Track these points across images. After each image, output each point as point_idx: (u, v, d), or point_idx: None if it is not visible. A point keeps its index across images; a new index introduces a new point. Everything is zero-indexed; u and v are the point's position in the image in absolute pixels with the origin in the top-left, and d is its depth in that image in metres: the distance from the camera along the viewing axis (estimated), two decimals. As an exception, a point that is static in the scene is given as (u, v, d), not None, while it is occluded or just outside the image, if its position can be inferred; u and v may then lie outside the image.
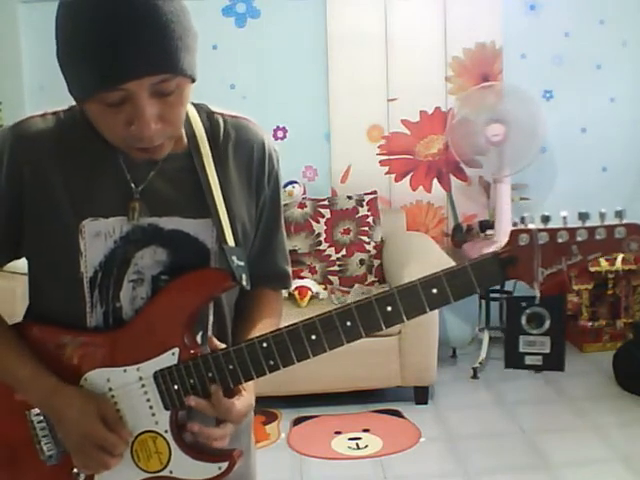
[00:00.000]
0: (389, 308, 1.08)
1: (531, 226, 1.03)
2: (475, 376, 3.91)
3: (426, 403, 3.62)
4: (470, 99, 4.07)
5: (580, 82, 4.28)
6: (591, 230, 1.01)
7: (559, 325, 3.97)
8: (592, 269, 4.05)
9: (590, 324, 4.14)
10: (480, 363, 3.95)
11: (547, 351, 3.94)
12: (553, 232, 1.02)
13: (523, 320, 3.92)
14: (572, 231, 1.02)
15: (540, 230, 1.03)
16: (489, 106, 3.98)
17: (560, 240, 1.02)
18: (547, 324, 3.91)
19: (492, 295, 4.16)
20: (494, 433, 3.32)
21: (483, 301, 4.18)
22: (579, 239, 1.01)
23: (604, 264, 4.05)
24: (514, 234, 1.04)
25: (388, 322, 1.09)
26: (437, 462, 3.15)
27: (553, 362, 3.96)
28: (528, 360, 3.96)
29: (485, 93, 4.06)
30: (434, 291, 1.06)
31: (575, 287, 4.11)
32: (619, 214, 1.01)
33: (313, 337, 1.11)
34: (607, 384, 3.72)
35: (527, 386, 3.82)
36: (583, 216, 1.02)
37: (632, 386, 3.58)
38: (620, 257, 4.05)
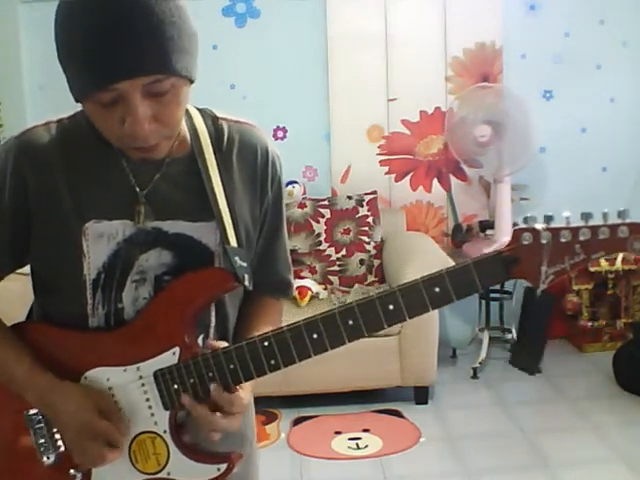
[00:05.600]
0: (391, 307, 1.07)
1: (537, 226, 1.03)
2: (475, 376, 3.90)
3: (426, 403, 3.61)
4: (467, 99, 4.07)
5: (580, 82, 4.27)
6: (594, 229, 1.00)
7: (544, 325, 4.03)
8: (592, 269, 4.05)
9: (590, 324, 4.13)
10: (480, 363, 3.95)
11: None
12: (556, 231, 1.02)
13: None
14: (575, 230, 1.01)
15: (543, 230, 1.03)
16: (486, 106, 3.97)
17: (563, 240, 1.01)
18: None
19: (492, 295, 4.16)
20: (494, 433, 3.32)
21: (483, 301, 4.17)
22: (582, 238, 1.01)
23: (604, 264, 4.05)
24: (517, 233, 1.03)
25: (390, 321, 1.08)
26: (437, 462, 3.15)
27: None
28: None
29: (482, 93, 4.05)
30: (436, 290, 1.05)
31: (575, 287, 4.11)
32: (621, 214, 1.00)
33: (315, 336, 1.10)
34: (607, 384, 3.71)
35: (527, 386, 3.81)
36: (586, 216, 1.01)
37: (632, 386, 3.57)
38: (620, 257, 4.05)
